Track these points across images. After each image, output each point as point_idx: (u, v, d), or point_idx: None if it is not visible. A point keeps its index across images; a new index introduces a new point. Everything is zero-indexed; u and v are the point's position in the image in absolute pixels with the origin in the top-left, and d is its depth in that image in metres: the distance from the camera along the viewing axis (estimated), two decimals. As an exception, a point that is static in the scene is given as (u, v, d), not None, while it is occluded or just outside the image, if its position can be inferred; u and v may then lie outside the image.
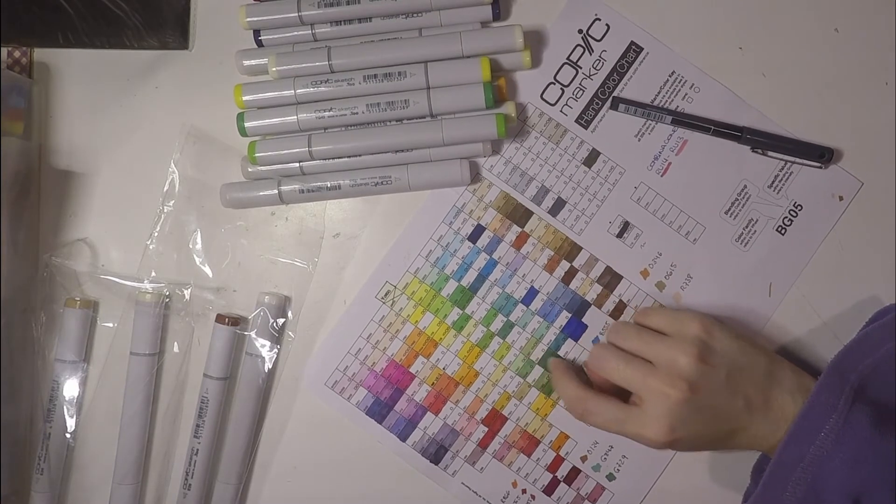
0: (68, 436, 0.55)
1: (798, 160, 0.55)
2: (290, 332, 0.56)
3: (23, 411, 0.55)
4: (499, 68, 0.56)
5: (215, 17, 0.58)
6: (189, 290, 0.56)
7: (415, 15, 0.55)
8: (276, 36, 0.56)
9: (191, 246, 0.56)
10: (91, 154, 0.58)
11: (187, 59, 0.58)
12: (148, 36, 0.57)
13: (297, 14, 0.54)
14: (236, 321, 0.55)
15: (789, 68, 0.56)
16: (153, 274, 0.56)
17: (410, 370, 0.56)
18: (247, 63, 0.56)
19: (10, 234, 0.54)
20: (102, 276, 0.56)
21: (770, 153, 0.55)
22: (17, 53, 0.57)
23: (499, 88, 0.55)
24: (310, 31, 0.55)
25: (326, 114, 0.53)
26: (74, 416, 0.55)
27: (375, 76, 0.53)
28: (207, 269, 0.56)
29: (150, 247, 0.56)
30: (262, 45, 0.56)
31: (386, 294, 0.56)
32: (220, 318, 0.55)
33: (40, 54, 0.58)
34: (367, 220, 0.57)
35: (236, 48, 0.56)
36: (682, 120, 0.55)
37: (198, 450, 0.54)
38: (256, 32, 0.56)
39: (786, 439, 0.46)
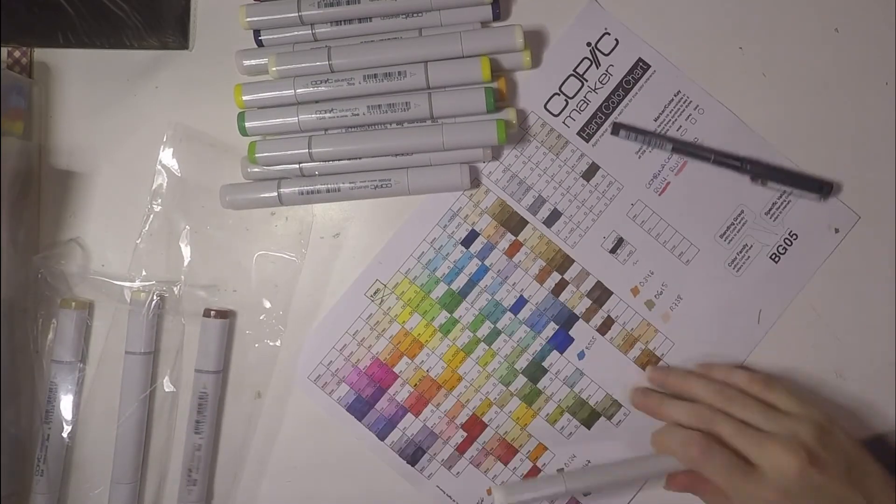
0: (66, 436, 0.56)
1: (798, 191, 0.55)
2: (279, 327, 0.57)
3: (22, 412, 0.56)
4: (499, 68, 0.55)
5: (215, 17, 0.58)
6: (178, 287, 0.56)
7: (415, 15, 0.54)
8: (276, 36, 0.56)
9: (181, 244, 0.57)
10: (91, 154, 0.58)
11: (187, 59, 0.58)
12: (148, 36, 0.57)
13: (297, 14, 0.54)
14: (224, 314, 0.56)
15: (789, 68, 0.56)
16: (143, 273, 0.56)
17: (394, 370, 0.56)
18: (247, 63, 0.56)
19: (10, 234, 0.55)
20: (94, 277, 0.57)
21: (770, 183, 0.55)
22: (17, 53, 0.58)
23: (499, 91, 0.54)
24: (310, 31, 0.55)
25: (327, 115, 0.53)
26: (72, 417, 0.56)
27: (375, 76, 0.53)
28: (201, 267, 0.57)
29: (140, 245, 0.56)
30: (262, 45, 0.56)
31: (375, 292, 0.57)
32: (206, 312, 0.55)
33: (40, 54, 0.58)
34: (367, 221, 0.57)
35: (236, 48, 0.57)
36: (683, 149, 0.55)
37: (201, 445, 0.55)
38: (256, 32, 0.56)
39: None
